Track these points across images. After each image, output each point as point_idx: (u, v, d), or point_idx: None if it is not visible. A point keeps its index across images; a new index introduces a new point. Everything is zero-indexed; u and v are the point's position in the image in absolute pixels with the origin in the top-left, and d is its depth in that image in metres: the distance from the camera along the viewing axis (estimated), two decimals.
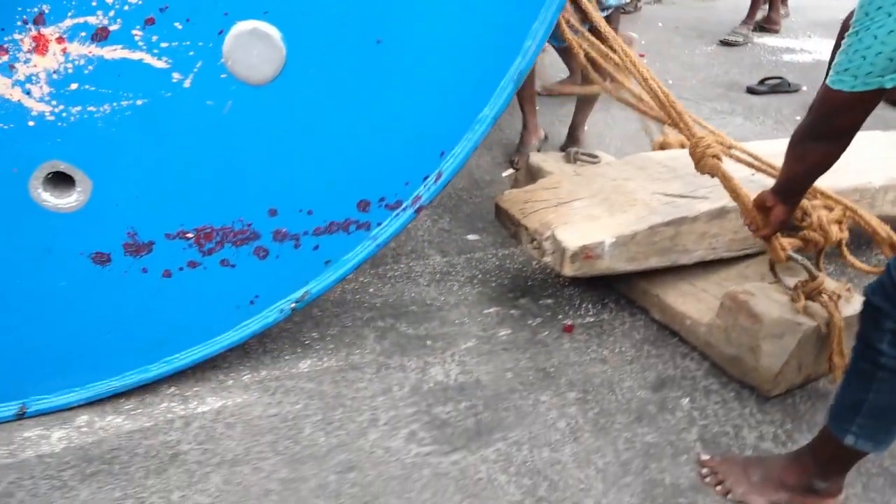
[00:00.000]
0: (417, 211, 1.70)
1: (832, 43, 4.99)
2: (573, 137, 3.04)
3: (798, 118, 3.66)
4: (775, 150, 2.18)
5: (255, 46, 1.46)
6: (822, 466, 1.42)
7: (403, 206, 1.69)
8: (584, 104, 3.01)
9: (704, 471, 1.54)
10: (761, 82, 4.02)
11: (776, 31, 5.33)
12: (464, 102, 1.64)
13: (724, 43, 4.88)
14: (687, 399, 1.76)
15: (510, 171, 2.91)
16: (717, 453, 1.58)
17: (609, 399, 1.75)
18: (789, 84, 4.00)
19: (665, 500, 1.49)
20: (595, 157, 2.47)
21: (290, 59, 1.48)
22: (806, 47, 4.98)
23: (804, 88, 4.02)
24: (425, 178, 1.68)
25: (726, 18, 5.51)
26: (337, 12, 1.48)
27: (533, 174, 2.43)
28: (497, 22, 1.57)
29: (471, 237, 2.44)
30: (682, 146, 2.51)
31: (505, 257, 2.33)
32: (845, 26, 3.28)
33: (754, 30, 5.11)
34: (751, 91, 3.97)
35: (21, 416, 1.61)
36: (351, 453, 1.56)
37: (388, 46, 1.53)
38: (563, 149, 3.02)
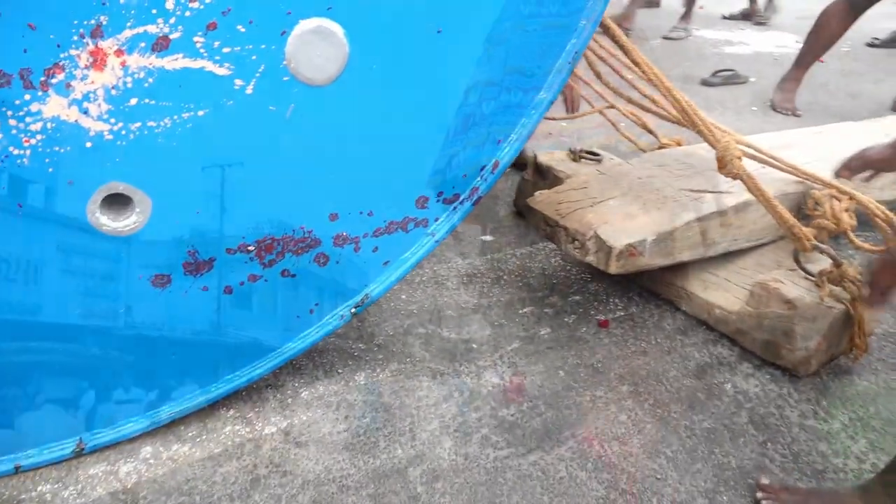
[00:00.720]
0: (475, 203, 1.68)
1: (764, 35, 5.29)
2: None
3: (755, 108, 3.87)
4: (773, 143, 2.32)
5: (318, 45, 1.40)
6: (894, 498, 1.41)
7: (461, 199, 1.68)
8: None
9: (760, 494, 1.51)
10: (714, 75, 4.21)
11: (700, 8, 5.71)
12: (519, 87, 1.61)
13: (668, 38, 5.10)
14: (729, 384, 1.86)
15: None
16: (775, 480, 1.57)
17: (659, 390, 1.83)
18: (739, 75, 4.21)
19: (736, 482, 1.57)
20: (597, 154, 2.54)
21: (352, 57, 1.43)
22: (743, 39, 5.27)
23: (752, 79, 4.25)
24: (482, 169, 1.66)
25: (665, 23, 5.73)
26: (400, 3, 1.43)
27: (542, 173, 2.48)
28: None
29: (486, 238, 2.47)
30: (679, 145, 2.62)
31: (524, 256, 2.38)
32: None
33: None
34: (705, 83, 4.16)
35: (80, 452, 1.53)
36: (431, 463, 1.57)
37: (447, 35, 1.48)
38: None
